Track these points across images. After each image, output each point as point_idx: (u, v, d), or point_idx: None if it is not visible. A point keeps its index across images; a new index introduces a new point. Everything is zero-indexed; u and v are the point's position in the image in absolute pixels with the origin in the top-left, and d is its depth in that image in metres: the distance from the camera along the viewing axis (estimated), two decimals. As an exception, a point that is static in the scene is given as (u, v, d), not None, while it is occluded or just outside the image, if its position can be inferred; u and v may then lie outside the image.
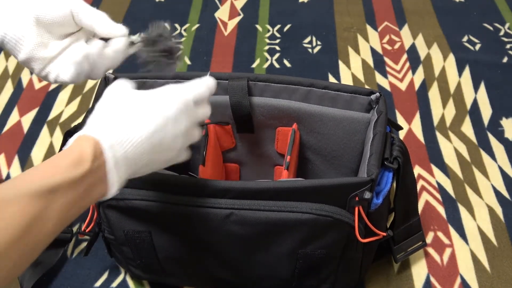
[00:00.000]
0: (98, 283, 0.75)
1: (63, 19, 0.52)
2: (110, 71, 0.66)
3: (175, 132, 0.49)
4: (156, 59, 0.56)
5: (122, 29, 0.55)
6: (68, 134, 0.65)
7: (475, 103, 1.00)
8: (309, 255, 0.63)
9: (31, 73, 1.09)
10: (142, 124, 0.47)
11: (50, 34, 0.53)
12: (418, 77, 1.06)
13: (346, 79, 1.06)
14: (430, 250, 0.78)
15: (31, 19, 0.51)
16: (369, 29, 1.18)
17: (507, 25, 1.18)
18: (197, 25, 1.21)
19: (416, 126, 0.96)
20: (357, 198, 0.58)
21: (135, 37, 0.56)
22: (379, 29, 1.18)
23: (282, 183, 0.58)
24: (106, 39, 0.55)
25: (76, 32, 0.55)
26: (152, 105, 0.49)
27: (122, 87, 0.51)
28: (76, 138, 0.45)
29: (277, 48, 1.14)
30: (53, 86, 1.06)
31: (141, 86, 0.71)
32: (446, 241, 0.79)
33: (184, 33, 1.18)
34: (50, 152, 0.94)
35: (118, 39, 0.55)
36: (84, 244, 0.79)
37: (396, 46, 1.13)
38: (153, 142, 0.47)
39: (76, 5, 0.52)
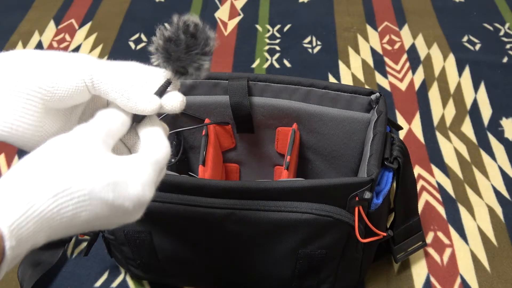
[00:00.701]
0: (98, 283, 0.75)
1: (74, 95, 0.40)
2: None
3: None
4: (183, 63, 0.42)
5: (154, 103, 0.41)
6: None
7: (475, 103, 1.00)
8: (309, 255, 0.63)
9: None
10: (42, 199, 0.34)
11: (58, 116, 0.41)
12: (418, 77, 1.06)
13: (346, 79, 1.06)
14: (430, 250, 0.78)
15: (38, 107, 0.38)
16: (369, 29, 1.18)
17: (507, 25, 1.18)
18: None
19: (416, 126, 0.96)
20: (357, 198, 0.58)
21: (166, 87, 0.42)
22: (379, 29, 1.18)
23: (282, 183, 0.58)
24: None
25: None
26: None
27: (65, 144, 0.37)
28: None
29: (277, 48, 1.14)
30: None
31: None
32: (446, 241, 0.79)
33: (184, 33, 1.18)
34: (50, 152, 0.94)
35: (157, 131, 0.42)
36: (84, 244, 0.79)
37: (396, 46, 1.13)
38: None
39: (90, 74, 0.40)
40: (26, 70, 0.38)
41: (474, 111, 0.98)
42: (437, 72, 1.07)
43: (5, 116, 0.37)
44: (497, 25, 1.18)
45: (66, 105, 0.41)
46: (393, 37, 1.16)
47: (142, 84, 0.41)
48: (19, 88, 0.38)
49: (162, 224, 0.63)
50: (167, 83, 0.42)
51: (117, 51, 1.14)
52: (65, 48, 1.15)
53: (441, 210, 0.83)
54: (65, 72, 0.40)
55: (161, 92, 0.42)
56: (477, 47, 1.13)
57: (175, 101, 0.42)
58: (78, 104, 0.43)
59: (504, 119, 0.97)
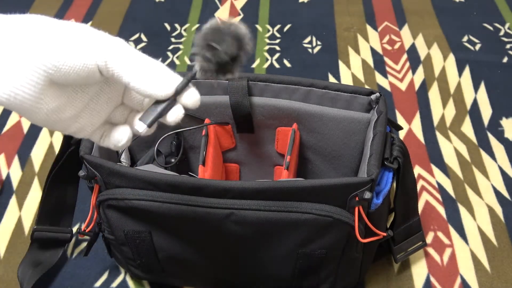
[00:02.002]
0: (98, 283, 0.75)
1: (82, 73, 0.39)
2: None
3: None
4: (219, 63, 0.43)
5: (169, 88, 0.41)
6: (68, 135, 0.65)
7: (475, 103, 1.00)
8: (309, 255, 0.63)
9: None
10: None
11: (63, 91, 0.41)
12: (418, 77, 1.06)
13: (346, 79, 1.06)
14: (430, 250, 0.78)
15: (41, 79, 0.38)
16: (369, 29, 1.18)
17: (507, 25, 1.18)
18: (197, 25, 1.21)
19: (416, 126, 0.96)
20: (357, 198, 0.58)
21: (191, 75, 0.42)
22: (379, 29, 1.18)
23: (282, 183, 0.58)
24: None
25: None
26: None
27: None
28: None
29: (277, 48, 1.14)
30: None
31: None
32: (446, 241, 0.79)
33: (184, 33, 1.18)
34: (50, 152, 0.94)
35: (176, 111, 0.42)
36: (84, 244, 0.79)
37: (396, 46, 1.13)
38: None
39: (105, 57, 0.40)
40: (37, 40, 0.38)
41: (474, 111, 0.99)
42: (437, 72, 1.07)
43: (6, 82, 0.37)
44: (497, 25, 1.18)
45: (73, 83, 0.40)
46: (393, 37, 1.16)
47: (157, 69, 0.41)
48: (25, 57, 0.37)
49: (162, 224, 0.63)
50: (193, 76, 0.42)
51: (117, 51, 1.14)
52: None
53: (441, 210, 0.83)
54: (77, 50, 0.39)
55: (184, 84, 0.42)
56: (477, 47, 1.13)
57: (194, 97, 0.43)
58: (89, 85, 0.42)
59: (504, 119, 0.97)
